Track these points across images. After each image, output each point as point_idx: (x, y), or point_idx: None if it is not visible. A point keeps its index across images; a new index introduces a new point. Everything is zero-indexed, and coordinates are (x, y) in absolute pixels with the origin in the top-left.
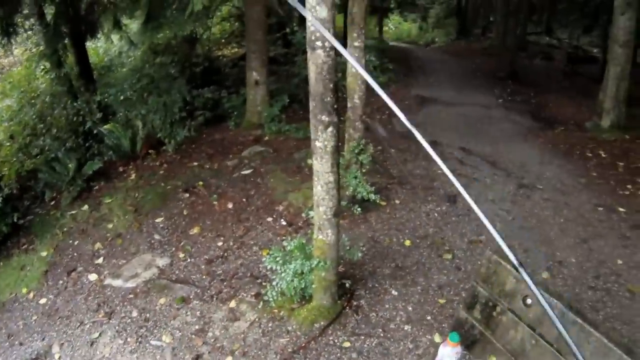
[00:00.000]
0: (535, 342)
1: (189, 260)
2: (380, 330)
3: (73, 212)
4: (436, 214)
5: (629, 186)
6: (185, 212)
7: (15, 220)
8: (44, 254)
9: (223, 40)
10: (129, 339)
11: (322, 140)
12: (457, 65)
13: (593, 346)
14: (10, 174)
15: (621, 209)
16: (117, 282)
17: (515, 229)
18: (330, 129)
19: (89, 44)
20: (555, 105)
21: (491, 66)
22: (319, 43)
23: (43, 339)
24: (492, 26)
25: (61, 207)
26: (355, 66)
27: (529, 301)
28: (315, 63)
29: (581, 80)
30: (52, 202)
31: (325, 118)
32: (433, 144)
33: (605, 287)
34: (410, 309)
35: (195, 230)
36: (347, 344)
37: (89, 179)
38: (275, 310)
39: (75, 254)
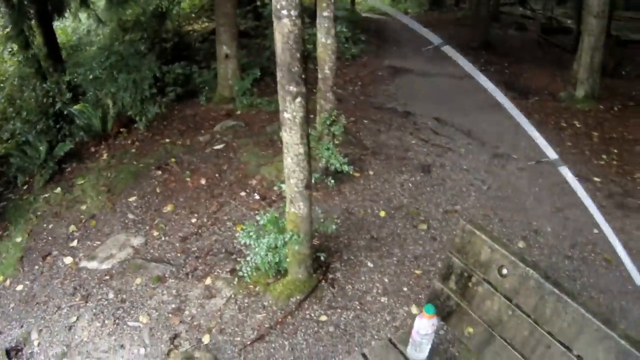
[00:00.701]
0: (512, 312)
1: (163, 238)
2: (357, 302)
3: (46, 195)
4: (410, 184)
5: (603, 156)
6: (158, 190)
7: None
8: (19, 239)
9: (193, 15)
10: (106, 321)
11: (290, 111)
12: None
13: (571, 317)
14: None
15: (596, 179)
16: (93, 264)
17: (490, 198)
18: (298, 99)
19: (56, 24)
20: (529, 76)
21: (464, 37)
22: (284, 12)
23: (21, 327)
24: None
25: (34, 191)
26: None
27: (504, 271)
28: (282, 32)
29: (555, 51)
30: (25, 187)
31: (293, 88)
32: (406, 114)
33: (581, 256)
34: (386, 280)
35: (168, 208)
36: (323, 318)
37: (60, 161)
38: (251, 286)
39: (49, 238)
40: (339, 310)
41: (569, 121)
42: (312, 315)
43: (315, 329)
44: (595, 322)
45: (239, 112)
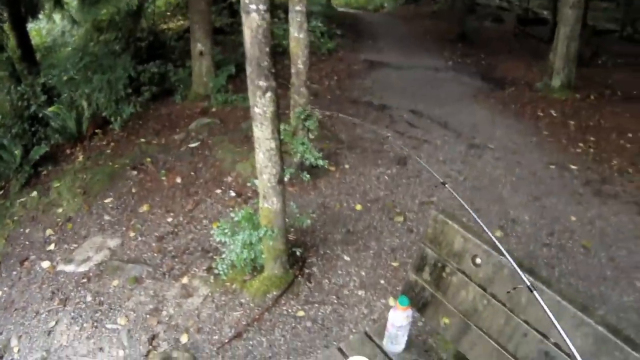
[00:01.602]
0: (487, 302)
1: (139, 238)
2: (334, 296)
3: (22, 199)
4: (386, 177)
5: (580, 144)
6: (134, 190)
7: None
8: None
9: (168, 13)
10: (84, 325)
11: (260, 106)
12: (406, 30)
13: (546, 305)
14: None
15: (573, 167)
16: (70, 268)
17: (467, 188)
18: (268, 94)
19: (30, 25)
20: (505, 67)
21: (441, 29)
22: (252, 6)
23: (1, 333)
24: None
25: (10, 196)
26: None
27: (478, 260)
28: (250, 27)
29: (531, 42)
30: (1, 192)
31: (262, 83)
32: (382, 107)
33: (559, 243)
34: (363, 273)
35: (144, 208)
36: (301, 313)
37: (36, 164)
38: (228, 284)
39: (27, 243)
40: (316, 305)
41: (545, 110)
42: (290, 310)
43: (293, 324)
44: (571, 309)
45: (214, 110)
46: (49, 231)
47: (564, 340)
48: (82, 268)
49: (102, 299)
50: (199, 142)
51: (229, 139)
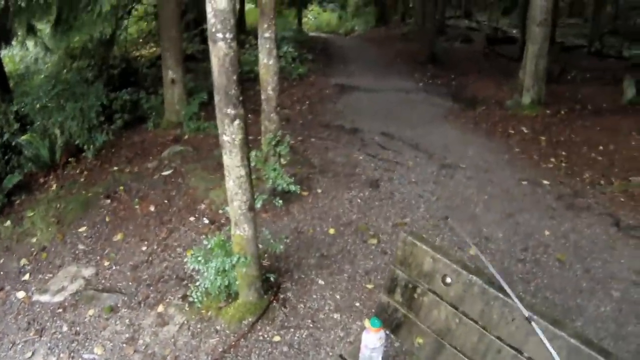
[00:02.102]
0: (459, 320)
1: (114, 267)
2: (310, 321)
3: None
4: (359, 200)
5: (552, 159)
6: (107, 219)
7: None
8: None
9: (141, 40)
10: (61, 355)
11: (229, 133)
12: (377, 52)
13: (518, 320)
14: None
15: (545, 182)
16: (45, 298)
17: (439, 208)
18: (237, 121)
19: (3, 52)
20: (475, 86)
21: (411, 51)
22: (219, 35)
23: None
24: (411, 12)
25: None
26: None
27: (448, 280)
28: (217, 56)
29: (501, 61)
30: None
31: (231, 111)
32: (353, 131)
33: (534, 258)
34: (338, 297)
35: (118, 237)
36: (277, 338)
37: (9, 193)
38: (203, 311)
39: (1, 273)
40: (292, 330)
41: (516, 128)
42: (265, 336)
43: (269, 349)
44: (543, 323)
45: (186, 137)
46: (23, 261)
47: (538, 354)
48: (58, 298)
49: (78, 328)
50: (171, 170)
51: (202, 166)
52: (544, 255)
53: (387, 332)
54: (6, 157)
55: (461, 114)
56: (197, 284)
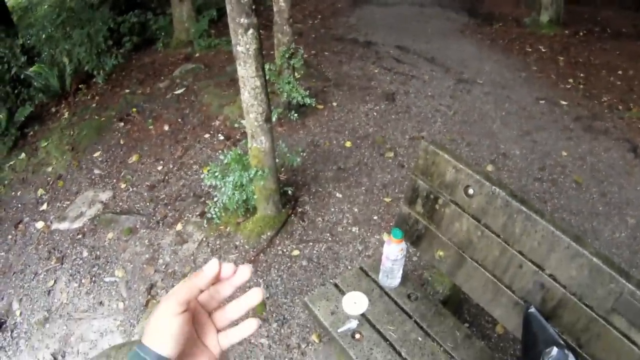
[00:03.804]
0: (481, 233)
1: (131, 189)
2: (328, 234)
3: (11, 162)
4: (375, 113)
5: (570, 80)
6: (122, 142)
7: None
8: None
9: None
10: (83, 280)
11: (243, 44)
12: None
13: (540, 235)
14: None
15: (563, 102)
16: (64, 225)
17: (456, 123)
18: (250, 31)
19: None
20: (492, 2)
21: None
22: None
23: (2, 298)
24: None
25: None
26: None
27: (470, 191)
28: None
29: None
30: None
31: (244, 20)
32: (368, 44)
33: (551, 178)
34: (356, 210)
35: (134, 159)
36: (296, 252)
37: (22, 126)
38: (222, 227)
39: (19, 205)
40: (311, 244)
41: (534, 46)
42: (285, 250)
43: (289, 264)
44: (565, 239)
45: (197, 55)
46: (40, 191)
47: (559, 271)
48: (76, 224)
49: (98, 253)
50: (184, 89)
51: (215, 83)
52: (561, 175)
53: (408, 244)
54: (16, 91)
55: (477, 29)
56: (215, 200)
